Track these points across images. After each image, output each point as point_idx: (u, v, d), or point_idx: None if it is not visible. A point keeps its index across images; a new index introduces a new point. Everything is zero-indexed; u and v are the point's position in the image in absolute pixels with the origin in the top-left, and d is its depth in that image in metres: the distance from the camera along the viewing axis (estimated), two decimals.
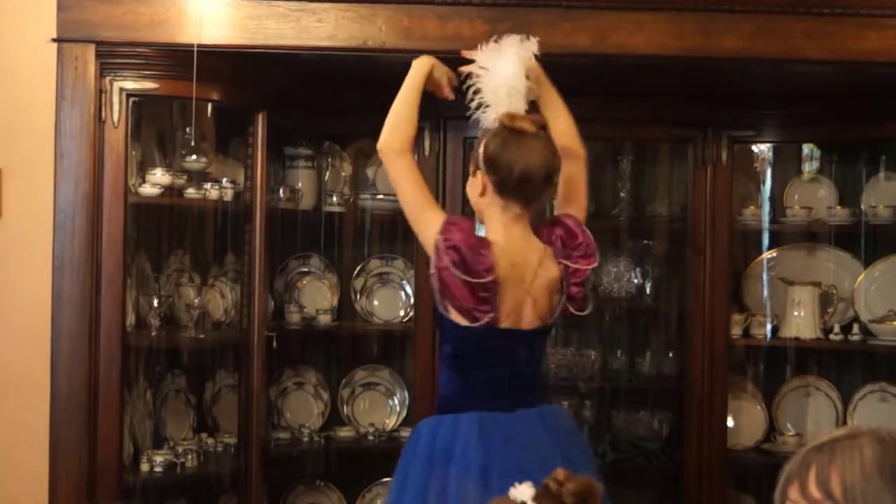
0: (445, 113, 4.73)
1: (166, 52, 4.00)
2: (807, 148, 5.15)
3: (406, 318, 5.08)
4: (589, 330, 5.15)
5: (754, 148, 5.07)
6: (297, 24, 3.96)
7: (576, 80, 4.49)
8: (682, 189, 4.96)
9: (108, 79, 4.00)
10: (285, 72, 4.36)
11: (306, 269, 5.11)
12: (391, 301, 5.14)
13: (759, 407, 5.05)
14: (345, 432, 5.02)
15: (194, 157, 4.44)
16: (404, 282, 5.12)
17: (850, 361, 5.07)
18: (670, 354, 5.06)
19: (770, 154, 5.11)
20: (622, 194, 5.08)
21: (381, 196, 5.05)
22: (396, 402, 5.14)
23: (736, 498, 4.99)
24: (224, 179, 4.46)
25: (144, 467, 4.29)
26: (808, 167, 5.16)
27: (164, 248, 4.60)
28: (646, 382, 5.11)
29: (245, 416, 4.45)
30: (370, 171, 5.15)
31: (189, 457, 4.40)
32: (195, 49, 3.87)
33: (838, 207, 4.98)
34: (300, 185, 4.92)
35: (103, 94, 3.99)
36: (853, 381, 5.04)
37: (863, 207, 4.93)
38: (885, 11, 3.99)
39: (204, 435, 4.66)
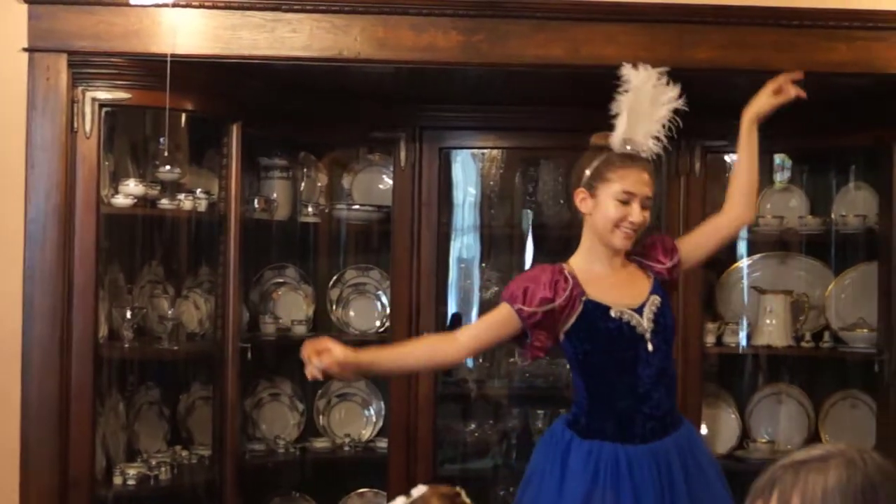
0: (421, 122, 4.77)
1: (139, 62, 4.00)
2: (778, 158, 5.18)
3: (382, 329, 5.08)
4: None
5: (727, 158, 5.09)
6: (272, 34, 3.97)
7: (550, 91, 4.54)
8: (657, 199, 4.95)
9: (80, 89, 3.99)
10: (260, 82, 4.36)
11: (282, 280, 5.10)
12: (367, 311, 5.14)
13: (732, 414, 5.08)
14: (320, 443, 5.01)
15: (168, 167, 4.42)
16: (380, 292, 5.12)
17: (821, 369, 5.10)
18: None
19: None
20: None
21: (356, 206, 5.07)
22: (372, 412, 5.14)
23: None
24: (198, 190, 4.45)
25: (117, 480, 4.27)
26: (780, 177, 5.19)
27: (138, 259, 4.59)
28: None
29: (219, 428, 4.43)
30: (346, 181, 5.16)
31: (162, 469, 4.38)
32: (169, 59, 3.87)
33: (809, 217, 5.01)
34: (275, 195, 4.92)
35: (75, 105, 3.99)
36: (824, 388, 5.07)
37: (833, 216, 4.97)
38: (852, 23, 4.03)
39: (178, 447, 4.64)
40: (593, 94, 4.53)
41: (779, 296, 4.96)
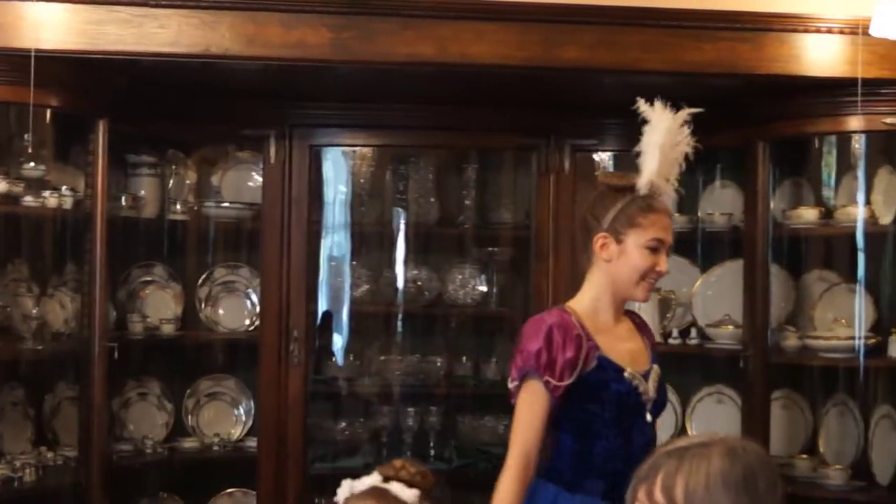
0: (291, 120, 4.74)
1: (2, 57, 3.90)
2: None
3: (251, 327, 5.05)
4: (435, 336, 5.20)
5: (595, 156, 5.15)
6: (139, 29, 3.90)
7: (420, 89, 4.55)
8: (526, 197, 5.02)
9: None
10: (127, 78, 4.29)
11: (150, 278, 5.04)
12: (236, 310, 5.10)
13: None
14: (189, 443, 4.97)
15: (32, 164, 4.33)
16: (250, 290, 5.09)
17: (688, 365, 5.16)
18: None
19: (611, 162, 5.20)
20: (467, 202, 5.14)
21: (225, 204, 5.03)
22: (242, 411, 5.10)
23: None
24: (63, 187, 4.37)
25: None
26: None
27: (1, 257, 4.48)
28: (491, 388, 5.16)
29: (86, 429, 4.36)
30: (215, 179, 5.12)
31: (27, 471, 4.30)
32: (32, 54, 3.79)
33: (677, 215, 5.07)
34: (143, 192, 4.87)
35: None
36: (691, 383, 5.15)
37: (700, 215, 5.05)
38: (718, 24, 4.10)
39: (43, 448, 4.55)
40: (463, 91, 4.59)
41: None
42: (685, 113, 3.26)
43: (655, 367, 3.24)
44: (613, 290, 3.19)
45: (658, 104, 3.24)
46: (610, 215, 3.16)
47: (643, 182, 3.18)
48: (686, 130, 3.26)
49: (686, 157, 3.10)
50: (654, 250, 3.14)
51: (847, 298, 4.76)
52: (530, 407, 3.08)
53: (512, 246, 5.18)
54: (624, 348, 3.20)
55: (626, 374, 3.12)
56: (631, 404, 3.13)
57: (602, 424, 3.10)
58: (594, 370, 3.09)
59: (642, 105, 3.24)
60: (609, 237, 3.15)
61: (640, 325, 3.36)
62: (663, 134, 3.20)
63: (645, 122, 3.23)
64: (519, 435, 3.09)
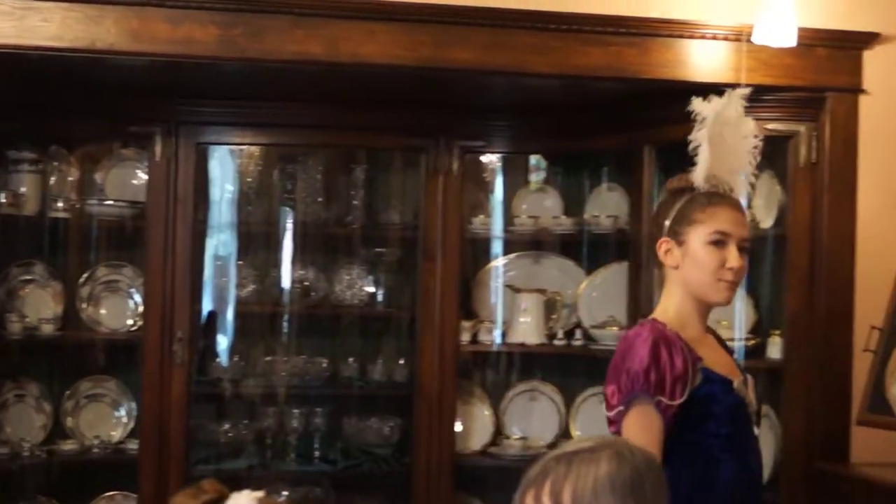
0: (178, 117, 4.69)
1: None
2: (534, 159, 5.29)
3: (134, 327, 4.97)
4: (321, 337, 5.17)
5: (484, 158, 5.18)
6: (21, 22, 3.83)
7: (309, 88, 4.52)
8: (415, 197, 5.01)
9: None
10: (8, 72, 4.20)
11: (29, 277, 4.93)
12: (119, 309, 5.01)
13: (486, 411, 5.15)
14: (68, 445, 4.88)
15: None
16: (133, 290, 5.01)
17: (573, 366, 5.22)
18: (401, 361, 5.10)
19: (499, 164, 5.23)
20: (355, 202, 5.11)
21: (109, 202, 4.95)
22: (123, 413, 5.02)
23: (463, 501, 5.06)
24: None
25: None
26: (535, 177, 5.30)
27: None
28: (377, 389, 5.15)
29: None
30: (98, 176, 5.03)
31: None
32: None
33: (563, 217, 5.13)
34: (23, 189, 4.77)
35: None
36: (576, 384, 5.19)
37: (586, 217, 5.10)
38: (606, 28, 4.14)
39: None
40: (352, 91, 4.58)
41: (532, 294, 5.07)
42: (736, 95, 3.07)
43: (749, 376, 3.02)
44: (692, 298, 2.97)
45: (714, 97, 3.06)
46: (669, 218, 2.99)
47: (698, 177, 2.99)
48: (750, 122, 3.08)
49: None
50: (719, 244, 2.92)
51: None
52: (646, 432, 2.77)
53: (400, 246, 5.16)
54: (721, 359, 3.00)
55: (735, 385, 2.93)
56: (741, 417, 2.93)
57: (719, 448, 2.87)
58: (702, 384, 2.85)
59: (696, 103, 3.06)
60: (670, 241, 2.97)
61: (719, 339, 3.13)
62: (710, 124, 3.01)
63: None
64: None
